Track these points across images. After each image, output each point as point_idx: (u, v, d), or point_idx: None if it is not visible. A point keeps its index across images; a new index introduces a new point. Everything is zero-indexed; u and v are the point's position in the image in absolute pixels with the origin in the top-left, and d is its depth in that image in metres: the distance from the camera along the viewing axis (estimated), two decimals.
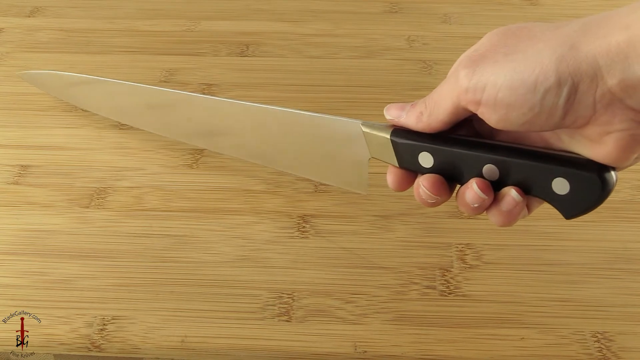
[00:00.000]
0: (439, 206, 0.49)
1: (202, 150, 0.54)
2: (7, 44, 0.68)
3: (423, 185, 0.34)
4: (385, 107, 0.35)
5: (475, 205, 0.33)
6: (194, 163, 0.53)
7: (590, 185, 0.30)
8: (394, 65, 0.65)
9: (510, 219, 0.33)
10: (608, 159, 0.29)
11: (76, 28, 0.71)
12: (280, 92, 0.61)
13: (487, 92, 0.29)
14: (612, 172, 0.30)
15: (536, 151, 0.31)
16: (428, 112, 0.33)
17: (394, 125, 0.36)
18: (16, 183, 0.51)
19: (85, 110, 0.58)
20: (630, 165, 0.30)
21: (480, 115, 0.31)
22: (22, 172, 0.52)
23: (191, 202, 0.50)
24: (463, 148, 0.33)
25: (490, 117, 0.30)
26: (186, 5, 0.74)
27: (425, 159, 0.34)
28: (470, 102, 0.30)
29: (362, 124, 0.37)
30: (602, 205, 0.50)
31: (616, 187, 0.51)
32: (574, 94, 0.27)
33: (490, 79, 0.29)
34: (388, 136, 0.35)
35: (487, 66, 0.29)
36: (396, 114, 0.35)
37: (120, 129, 0.57)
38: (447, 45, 0.67)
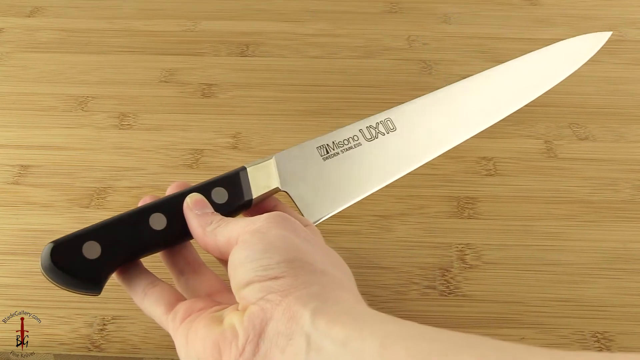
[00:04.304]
0: (439, 206, 0.49)
1: (202, 150, 0.54)
2: (7, 44, 0.68)
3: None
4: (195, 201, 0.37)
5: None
6: (194, 163, 0.53)
7: None
8: (394, 65, 0.65)
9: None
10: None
11: (76, 28, 0.71)
12: (280, 92, 0.61)
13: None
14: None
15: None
16: (216, 226, 0.34)
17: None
18: (16, 183, 0.51)
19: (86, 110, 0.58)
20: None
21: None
22: (22, 172, 0.52)
23: None
24: None
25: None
26: (186, 5, 0.74)
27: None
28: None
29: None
30: (602, 205, 0.50)
31: (616, 187, 0.51)
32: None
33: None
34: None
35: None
36: (200, 207, 0.36)
37: (120, 129, 0.57)
38: (447, 45, 0.67)
